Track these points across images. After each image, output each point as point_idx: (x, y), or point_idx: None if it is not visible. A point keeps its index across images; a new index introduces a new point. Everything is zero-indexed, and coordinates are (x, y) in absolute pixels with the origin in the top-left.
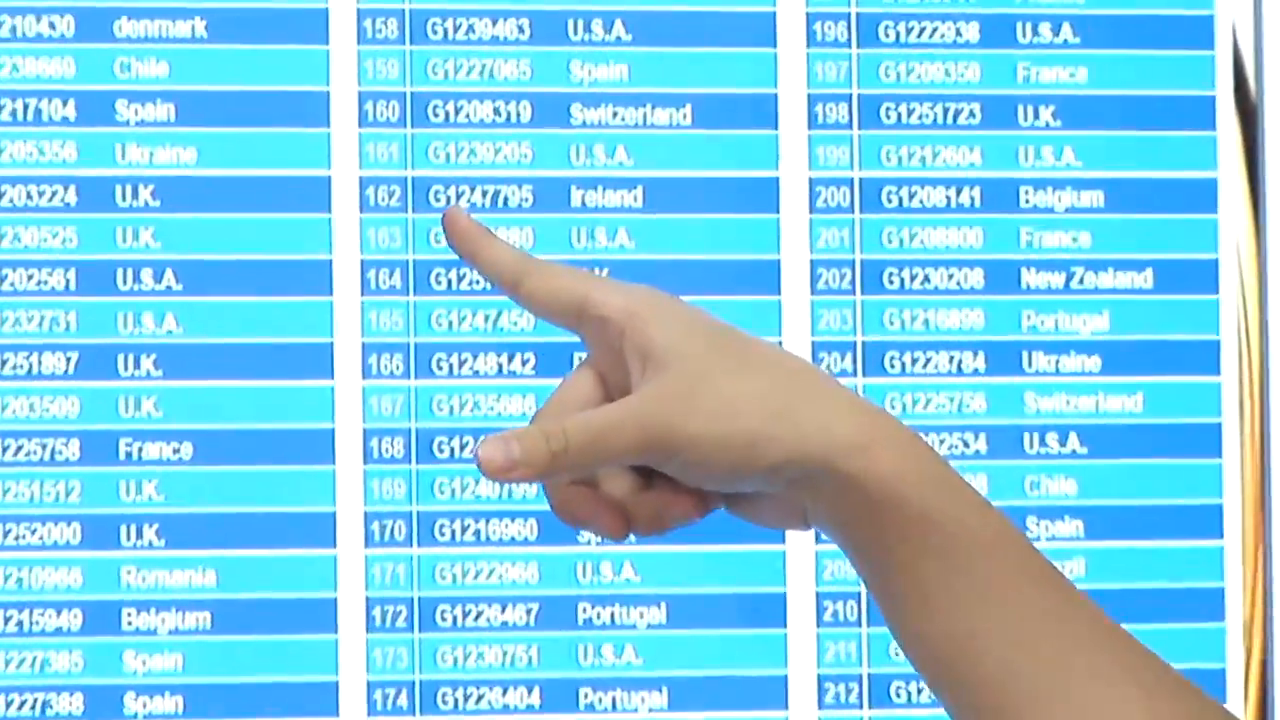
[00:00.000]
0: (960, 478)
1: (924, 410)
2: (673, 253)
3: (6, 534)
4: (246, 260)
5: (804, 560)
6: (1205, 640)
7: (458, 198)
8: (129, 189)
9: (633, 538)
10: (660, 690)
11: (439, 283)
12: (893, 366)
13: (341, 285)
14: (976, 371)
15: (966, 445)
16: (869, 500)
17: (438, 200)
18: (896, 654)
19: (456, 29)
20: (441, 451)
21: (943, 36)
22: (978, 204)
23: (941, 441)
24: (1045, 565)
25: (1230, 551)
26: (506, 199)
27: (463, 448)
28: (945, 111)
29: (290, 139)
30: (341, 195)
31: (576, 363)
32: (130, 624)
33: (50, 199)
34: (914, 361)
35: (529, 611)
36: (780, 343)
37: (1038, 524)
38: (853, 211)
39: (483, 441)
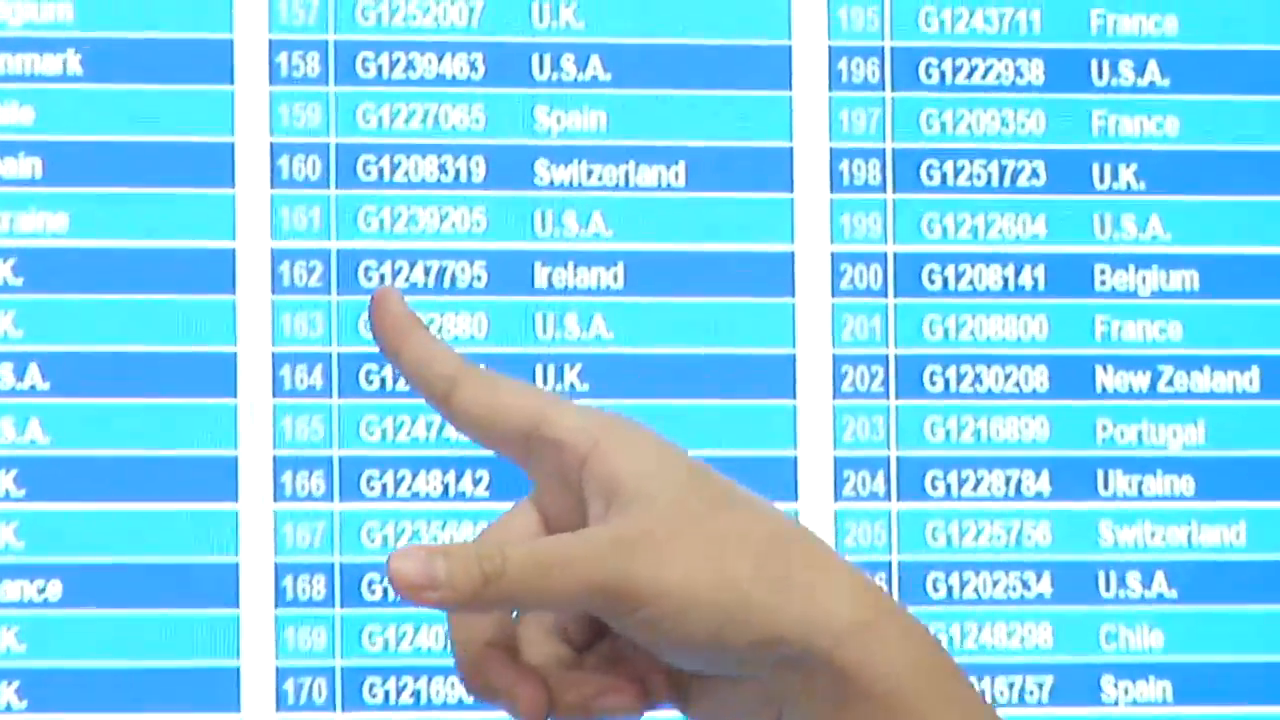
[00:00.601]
0: (966, 680)
1: (974, 544)
2: (661, 345)
3: None
4: (131, 353)
5: None
6: None
7: (394, 276)
8: None
9: None
10: None
11: (369, 382)
12: (935, 489)
13: (248, 384)
14: (1040, 495)
15: (1027, 587)
16: (865, 695)
17: (369, 279)
18: None
19: (393, 65)
20: (372, 592)
21: (999, 77)
22: (1042, 286)
23: (996, 582)
24: None
25: None
26: (455, 278)
27: None
28: (1002, 171)
29: (186, 202)
30: (249, 272)
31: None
32: None
33: None
34: (962, 482)
35: None
36: (795, 459)
37: (1115, 685)
38: (886, 295)
39: (399, 551)
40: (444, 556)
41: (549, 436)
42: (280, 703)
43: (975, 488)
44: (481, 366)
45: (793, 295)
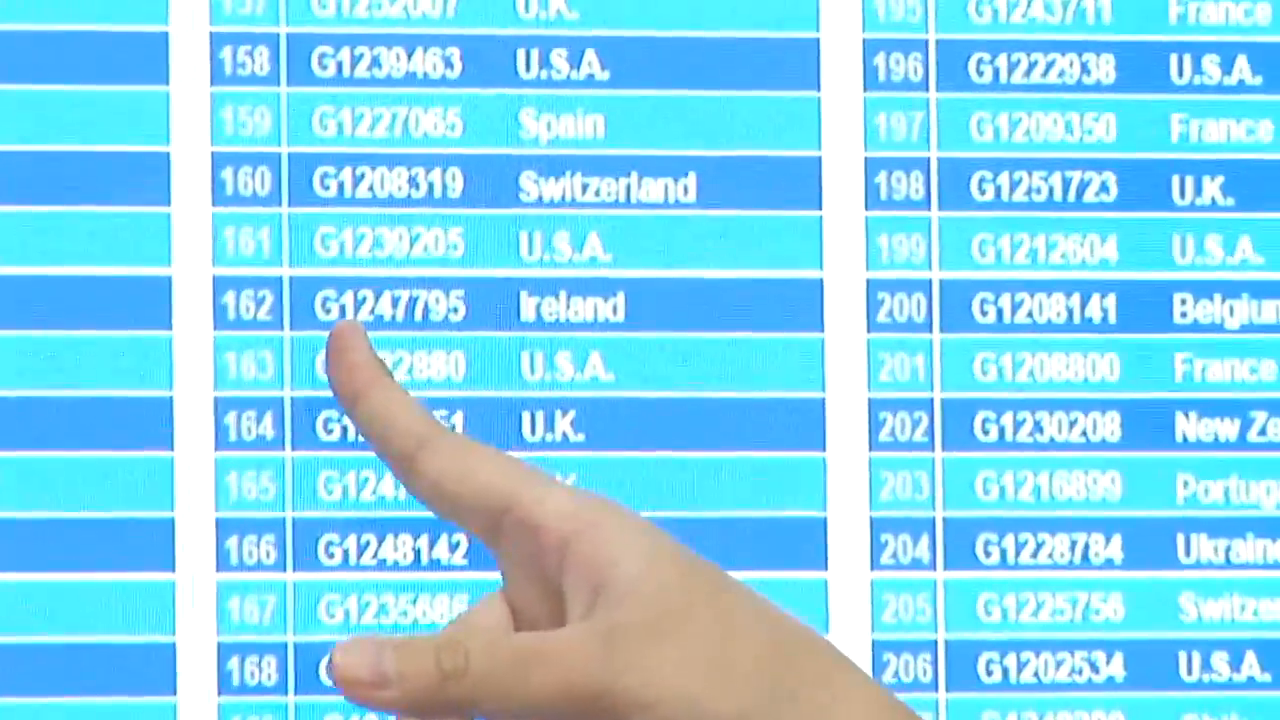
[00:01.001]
0: None
1: (1032, 620)
2: (668, 388)
3: None
4: (49, 398)
5: None
6: None
7: (356, 308)
8: None
9: None
10: None
11: (328, 431)
12: (988, 556)
13: (187, 434)
14: (1110, 563)
15: (1096, 670)
16: None
17: (327, 311)
18: None
19: (354, 63)
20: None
21: (1062, 75)
22: (1112, 319)
23: (1059, 664)
24: None
25: None
26: (428, 309)
27: None
28: (1065, 185)
29: (113, 222)
30: (187, 304)
31: None
32: None
33: None
34: (1019, 548)
35: None
36: (825, 521)
37: None
38: (930, 330)
39: (344, 644)
40: (394, 649)
41: (526, 521)
42: None
43: (1035, 554)
44: (449, 424)
45: (821, 329)
